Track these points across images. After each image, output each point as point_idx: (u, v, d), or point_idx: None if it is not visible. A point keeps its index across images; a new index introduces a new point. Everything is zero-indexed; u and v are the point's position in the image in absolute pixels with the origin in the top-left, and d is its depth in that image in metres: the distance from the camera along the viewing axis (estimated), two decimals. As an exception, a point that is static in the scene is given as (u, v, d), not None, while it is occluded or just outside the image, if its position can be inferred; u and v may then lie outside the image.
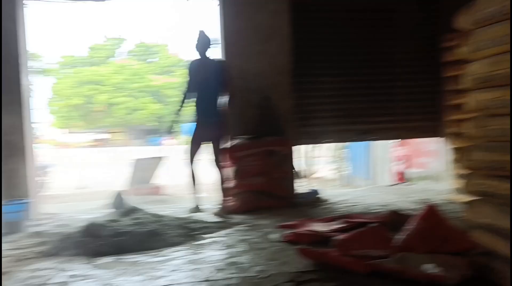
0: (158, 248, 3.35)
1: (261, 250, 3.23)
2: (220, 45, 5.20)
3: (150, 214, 3.90)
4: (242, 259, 3.03)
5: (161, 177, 7.59)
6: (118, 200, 4.61)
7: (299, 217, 4.18)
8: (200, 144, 4.75)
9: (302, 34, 5.35)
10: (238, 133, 5.03)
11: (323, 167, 10.24)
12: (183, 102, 4.83)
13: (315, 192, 5.37)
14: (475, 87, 2.50)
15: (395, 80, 5.68)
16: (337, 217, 3.92)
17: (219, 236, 3.68)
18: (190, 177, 4.78)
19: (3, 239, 3.84)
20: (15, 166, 4.72)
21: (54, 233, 3.87)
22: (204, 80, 4.70)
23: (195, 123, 4.77)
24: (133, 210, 3.99)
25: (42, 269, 2.98)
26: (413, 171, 7.50)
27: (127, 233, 3.42)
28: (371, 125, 5.69)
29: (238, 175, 4.71)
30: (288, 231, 3.54)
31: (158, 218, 3.84)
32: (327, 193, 5.72)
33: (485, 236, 2.39)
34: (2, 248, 3.45)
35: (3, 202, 4.22)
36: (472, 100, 2.52)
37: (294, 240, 3.33)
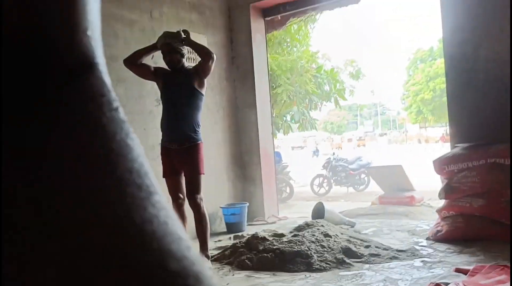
0: (296, 272, 3.18)
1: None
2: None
3: (322, 232, 3.68)
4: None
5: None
6: (318, 211, 4.53)
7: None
8: None
9: None
10: (462, 140, 4.04)
11: None
12: None
13: None
14: None
15: None
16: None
17: (370, 270, 3.12)
18: None
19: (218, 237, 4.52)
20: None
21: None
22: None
23: None
24: (311, 226, 3.88)
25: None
26: None
27: (276, 251, 3.39)
28: None
29: (448, 194, 3.78)
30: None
31: (325, 237, 3.58)
32: None
33: None
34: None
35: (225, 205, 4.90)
36: None
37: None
